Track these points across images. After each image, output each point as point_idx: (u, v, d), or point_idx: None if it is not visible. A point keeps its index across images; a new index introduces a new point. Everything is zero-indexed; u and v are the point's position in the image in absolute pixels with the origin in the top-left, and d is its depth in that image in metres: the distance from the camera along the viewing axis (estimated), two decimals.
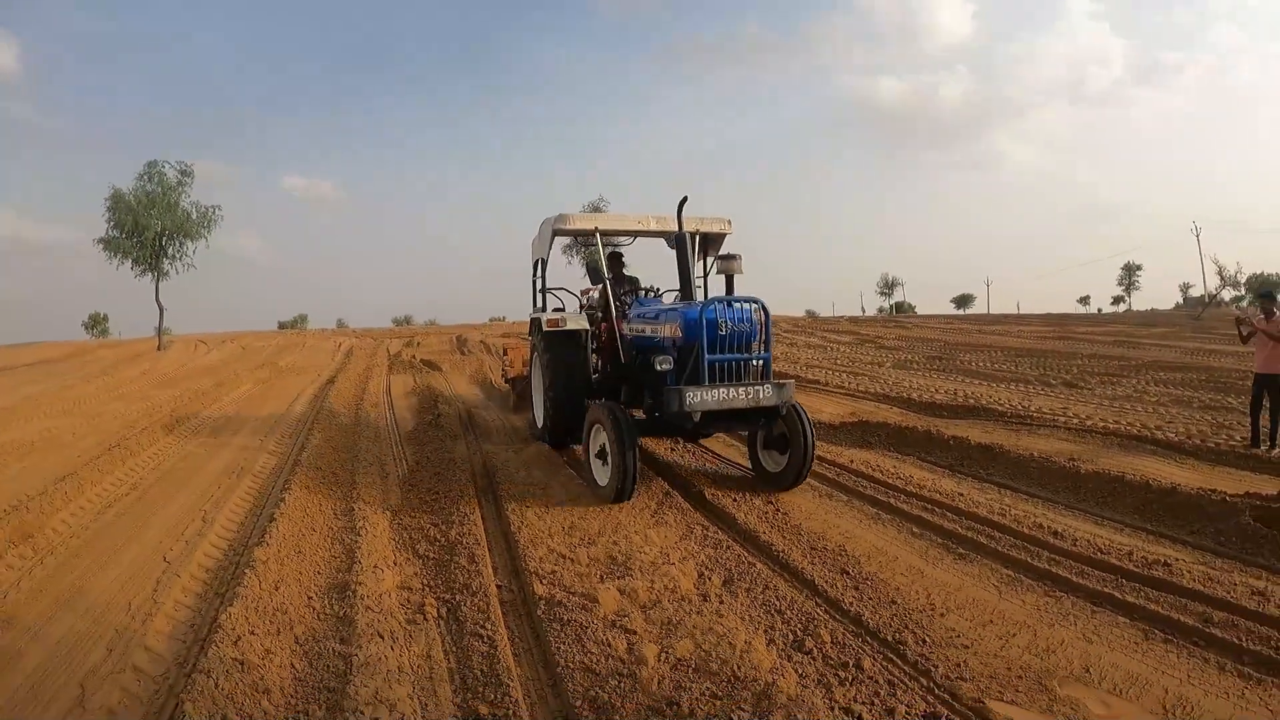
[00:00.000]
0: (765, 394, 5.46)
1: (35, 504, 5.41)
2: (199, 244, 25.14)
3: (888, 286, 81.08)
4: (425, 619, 3.69)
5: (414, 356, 20.41)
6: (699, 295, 7.10)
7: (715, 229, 7.42)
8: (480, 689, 3.06)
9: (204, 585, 4.22)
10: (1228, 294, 55.26)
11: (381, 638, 3.43)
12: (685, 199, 6.45)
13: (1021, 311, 40.67)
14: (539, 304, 8.12)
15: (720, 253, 6.05)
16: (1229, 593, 3.93)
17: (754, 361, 5.63)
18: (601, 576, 4.14)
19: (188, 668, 3.21)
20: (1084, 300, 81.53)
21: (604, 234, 7.28)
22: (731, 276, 6.03)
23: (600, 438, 5.74)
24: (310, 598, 3.90)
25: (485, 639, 3.48)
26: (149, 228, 23.47)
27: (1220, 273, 53.45)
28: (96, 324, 54.76)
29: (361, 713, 2.78)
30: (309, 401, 12.21)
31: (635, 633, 3.44)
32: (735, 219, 7.59)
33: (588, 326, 7.11)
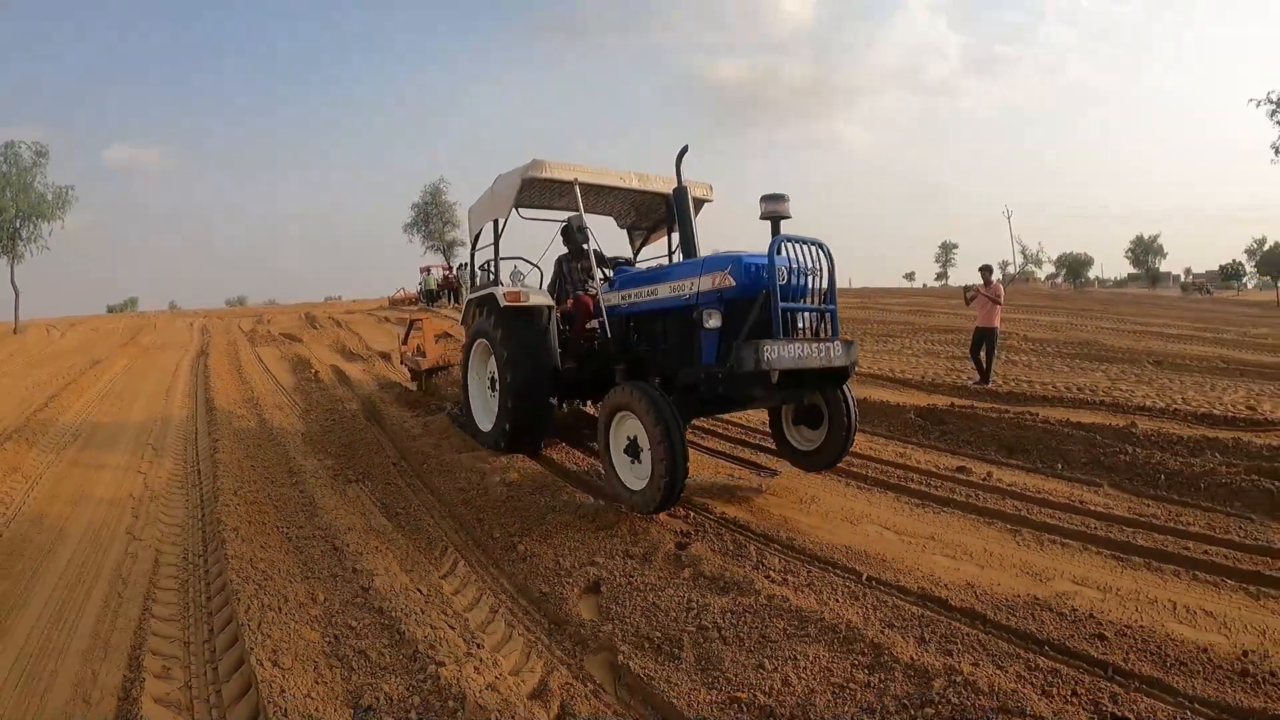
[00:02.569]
0: (836, 352, 4.25)
1: (3, 448, 6.26)
2: (54, 225, 23.07)
3: None
4: (349, 481, 5.33)
5: (270, 331, 20.43)
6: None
7: (698, 194, 6.15)
8: (395, 505, 4.80)
9: (183, 481, 5.54)
10: (1041, 271, 61.70)
11: (324, 489, 5.06)
12: (686, 148, 5.17)
13: (853, 286, 44.28)
14: (480, 280, 6.72)
15: (769, 202, 4.40)
16: (877, 454, 5.58)
17: (822, 314, 4.39)
18: (459, 451, 5.90)
19: (200, 518, 4.66)
20: (909, 276, 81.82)
21: (583, 189, 5.73)
22: (778, 221, 4.43)
23: (628, 427, 4.38)
24: (269, 478, 5.39)
25: (392, 485, 5.22)
26: (5, 210, 21.28)
27: (1024, 251, 60.30)
28: None
29: (327, 517, 4.44)
30: (190, 368, 12.62)
31: (485, 473, 5.26)
32: None
33: (552, 303, 5.81)
